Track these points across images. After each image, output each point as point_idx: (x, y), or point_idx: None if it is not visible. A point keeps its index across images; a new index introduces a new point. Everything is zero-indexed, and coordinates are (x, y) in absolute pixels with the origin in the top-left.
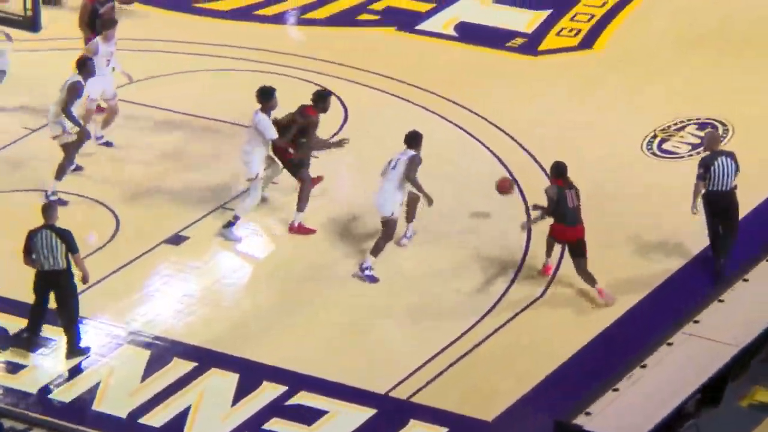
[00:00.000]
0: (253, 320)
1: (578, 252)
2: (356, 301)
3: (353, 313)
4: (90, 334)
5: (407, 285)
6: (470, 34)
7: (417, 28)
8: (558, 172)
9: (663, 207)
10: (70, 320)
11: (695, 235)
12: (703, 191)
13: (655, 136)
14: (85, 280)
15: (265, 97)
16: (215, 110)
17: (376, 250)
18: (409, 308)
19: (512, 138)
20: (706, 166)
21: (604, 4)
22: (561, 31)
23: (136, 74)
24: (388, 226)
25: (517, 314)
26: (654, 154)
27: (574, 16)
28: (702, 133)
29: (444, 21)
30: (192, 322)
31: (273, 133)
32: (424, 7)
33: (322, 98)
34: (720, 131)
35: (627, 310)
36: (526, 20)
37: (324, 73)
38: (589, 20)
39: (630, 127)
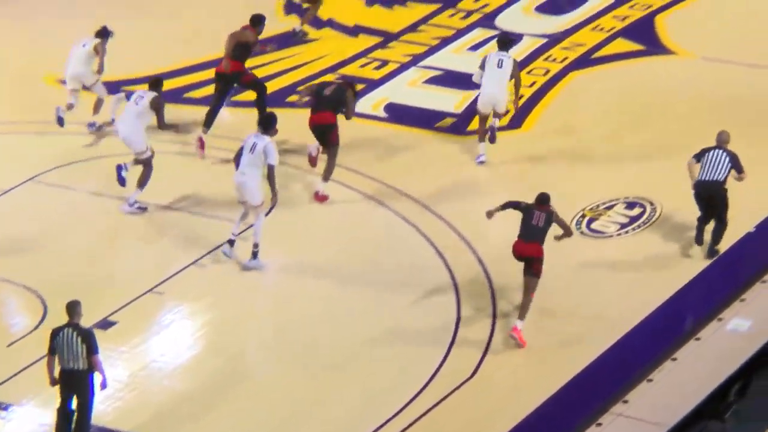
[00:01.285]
0: (184, 404)
1: (530, 271)
2: (295, 380)
3: (293, 394)
4: (17, 422)
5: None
6: (399, 114)
7: None
8: (538, 200)
9: (591, 285)
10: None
11: (623, 315)
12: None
13: (583, 216)
14: (103, 385)
15: (270, 123)
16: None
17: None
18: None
19: (444, 220)
20: (703, 151)
21: (532, 84)
22: None
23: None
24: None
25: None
26: (583, 233)
27: None
28: (631, 213)
29: (373, 102)
30: (121, 407)
31: (277, 159)
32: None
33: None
34: (648, 211)
35: (556, 391)
36: (456, 100)
37: None
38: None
39: (558, 206)
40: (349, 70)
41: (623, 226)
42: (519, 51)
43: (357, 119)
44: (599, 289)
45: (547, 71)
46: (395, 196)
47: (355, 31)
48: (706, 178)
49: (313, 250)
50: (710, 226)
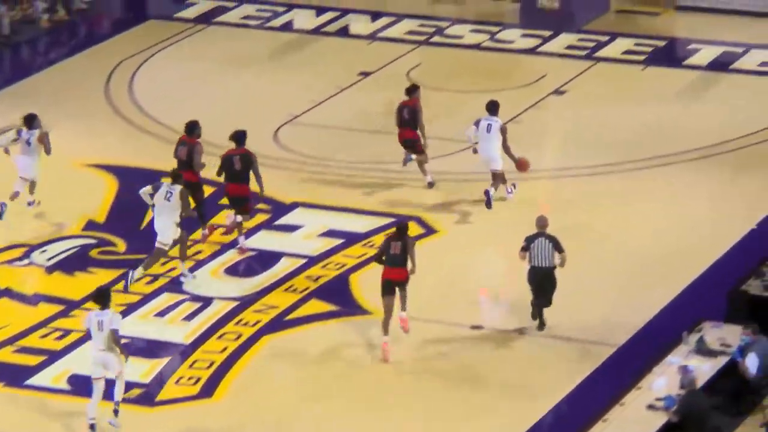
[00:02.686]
0: None
1: (400, 291)
2: None
3: None
4: None
5: None
6: (83, 385)
7: (26, 383)
8: (398, 230)
9: None
10: None
11: None
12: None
13: None
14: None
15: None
16: None
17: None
18: None
19: None
20: (528, 241)
21: (224, 350)
22: (180, 379)
23: None
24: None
25: None
26: None
27: (193, 363)
28: None
29: (55, 374)
30: None
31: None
32: (34, 360)
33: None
34: None
35: None
36: (142, 370)
37: None
38: (209, 367)
39: None
40: (30, 342)
41: None
42: (208, 316)
43: (36, 392)
44: None
45: (239, 335)
46: None
47: (34, 299)
48: (539, 265)
49: None
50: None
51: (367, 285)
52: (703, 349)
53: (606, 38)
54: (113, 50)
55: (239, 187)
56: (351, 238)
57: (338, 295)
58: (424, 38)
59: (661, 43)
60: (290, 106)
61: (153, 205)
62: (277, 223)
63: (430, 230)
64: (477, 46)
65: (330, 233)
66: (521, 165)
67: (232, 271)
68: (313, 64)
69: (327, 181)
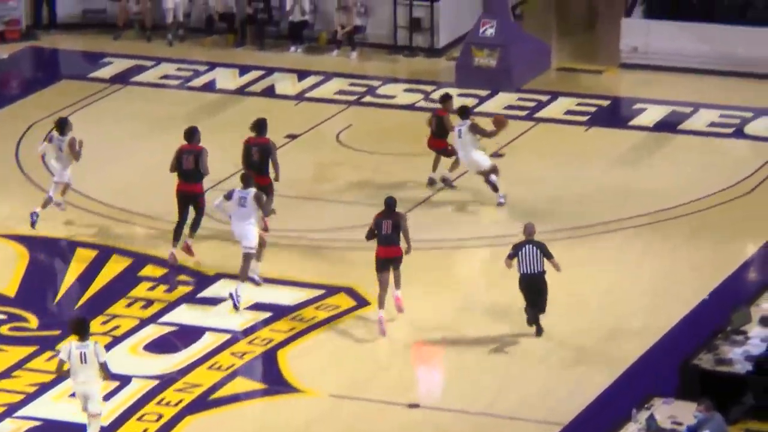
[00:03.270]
0: None
1: (394, 270)
2: None
3: None
4: None
5: None
6: None
7: None
8: (386, 206)
9: None
10: None
11: None
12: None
13: None
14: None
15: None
16: None
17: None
18: None
19: None
20: (516, 249)
21: None
22: None
23: None
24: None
25: None
26: None
27: None
28: None
29: None
30: None
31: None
32: None
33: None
34: None
35: None
36: None
37: None
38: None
39: None
40: None
41: None
42: (126, 396)
43: None
44: None
45: (160, 416)
46: None
47: None
48: (529, 271)
49: None
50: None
51: (296, 361)
52: (653, 427)
53: (547, 97)
54: (24, 112)
55: (260, 179)
56: (279, 312)
57: (266, 373)
58: (354, 98)
59: (605, 103)
60: (213, 170)
61: (230, 216)
62: (200, 295)
63: (362, 302)
64: (411, 106)
65: (256, 306)
66: (497, 122)
67: (152, 347)
68: (237, 126)
69: None
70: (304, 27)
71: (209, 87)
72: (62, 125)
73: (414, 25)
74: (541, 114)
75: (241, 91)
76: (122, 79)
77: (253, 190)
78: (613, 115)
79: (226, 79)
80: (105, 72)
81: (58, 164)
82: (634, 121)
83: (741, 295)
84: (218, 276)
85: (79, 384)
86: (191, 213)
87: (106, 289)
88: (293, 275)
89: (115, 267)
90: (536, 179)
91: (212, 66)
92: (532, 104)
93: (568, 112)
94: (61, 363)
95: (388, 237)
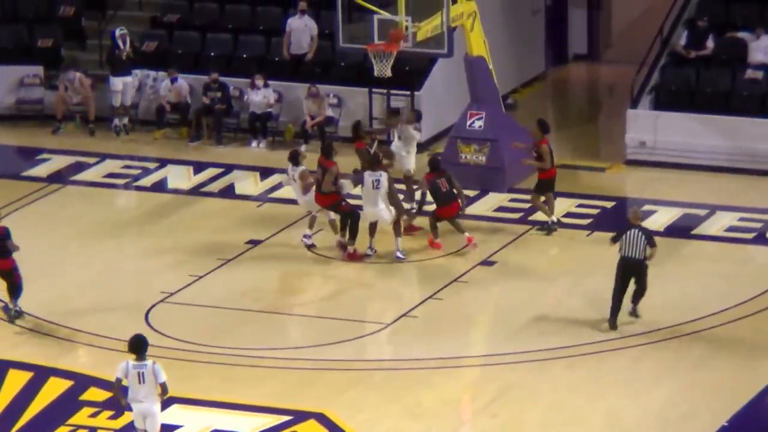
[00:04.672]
0: None
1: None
2: None
3: None
4: None
5: None
6: None
7: None
8: (432, 166)
9: None
10: None
11: None
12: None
13: None
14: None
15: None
16: None
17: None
18: None
19: None
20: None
21: None
22: None
23: None
24: None
25: None
26: None
27: None
28: None
29: None
30: None
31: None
32: None
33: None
34: None
35: None
36: None
37: None
38: None
39: None
40: None
41: None
42: None
43: None
44: None
45: None
46: None
47: None
48: (629, 255)
49: None
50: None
51: None
52: None
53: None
54: None
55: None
56: None
57: None
58: None
59: (609, 204)
60: (164, 281)
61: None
62: None
63: (336, 430)
64: None
65: None
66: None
67: None
68: (192, 230)
69: (208, 372)
70: (267, 118)
71: (160, 187)
72: (294, 157)
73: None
74: (536, 217)
75: (196, 190)
76: (61, 177)
77: (384, 173)
78: (619, 217)
79: (180, 177)
80: (41, 170)
81: (297, 193)
82: (643, 225)
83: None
84: (170, 401)
85: (136, 403)
86: None
87: (42, 416)
88: (254, 400)
89: (52, 390)
90: (531, 290)
91: (163, 163)
92: (526, 206)
93: (568, 215)
94: (118, 382)
95: (448, 194)
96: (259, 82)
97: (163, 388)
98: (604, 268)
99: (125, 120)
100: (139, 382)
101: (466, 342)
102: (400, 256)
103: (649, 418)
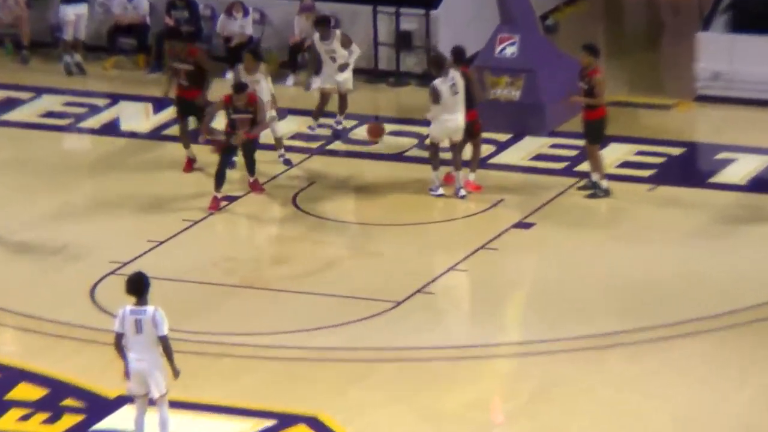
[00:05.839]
0: None
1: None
2: None
3: None
4: None
5: None
6: None
7: None
8: (457, 55)
9: None
10: None
11: None
12: None
13: None
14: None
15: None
16: None
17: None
18: None
19: None
20: None
21: None
22: None
23: None
24: None
25: None
26: None
27: None
28: None
29: None
30: None
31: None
32: None
33: None
34: None
35: None
36: None
37: None
38: None
39: None
40: None
41: None
42: None
43: None
44: None
45: None
46: None
47: None
48: None
49: None
50: None
51: None
52: None
53: None
54: None
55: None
56: None
57: None
58: (318, 144)
59: (677, 151)
60: (114, 249)
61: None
62: (96, 428)
63: None
64: (397, 156)
65: None
66: (373, 131)
67: None
68: (150, 183)
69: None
70: (247, 44)
71: (111, 129)
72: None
73: (402, 42)
74: (584, 167)
75: (155, 133)
76: None
77: (457, 75)
78: (689, 168)
79: (136, 117)
80: None
81: None
82: (718, 177)
83: None
84: (121, 400)
85: (136, 362)
86: None
87: None
88: (228, 397)
89: None
90: (579, 261)
91: (115, 99)
92: (571, 153)
93: (624, 165)
94: (119, 337)
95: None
96: (238, 14)
97: (164, 343)
98: (673, 232)
99: (77, 57)
100: (137, 332)
101: (496, 326)
102: (463, 193)
103: (730, 425)
